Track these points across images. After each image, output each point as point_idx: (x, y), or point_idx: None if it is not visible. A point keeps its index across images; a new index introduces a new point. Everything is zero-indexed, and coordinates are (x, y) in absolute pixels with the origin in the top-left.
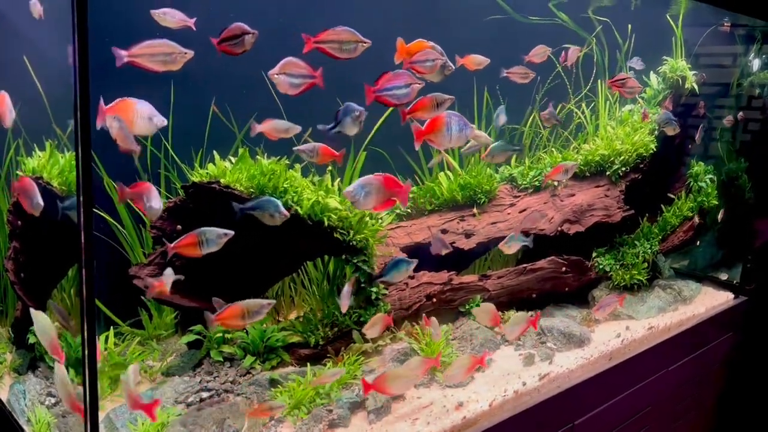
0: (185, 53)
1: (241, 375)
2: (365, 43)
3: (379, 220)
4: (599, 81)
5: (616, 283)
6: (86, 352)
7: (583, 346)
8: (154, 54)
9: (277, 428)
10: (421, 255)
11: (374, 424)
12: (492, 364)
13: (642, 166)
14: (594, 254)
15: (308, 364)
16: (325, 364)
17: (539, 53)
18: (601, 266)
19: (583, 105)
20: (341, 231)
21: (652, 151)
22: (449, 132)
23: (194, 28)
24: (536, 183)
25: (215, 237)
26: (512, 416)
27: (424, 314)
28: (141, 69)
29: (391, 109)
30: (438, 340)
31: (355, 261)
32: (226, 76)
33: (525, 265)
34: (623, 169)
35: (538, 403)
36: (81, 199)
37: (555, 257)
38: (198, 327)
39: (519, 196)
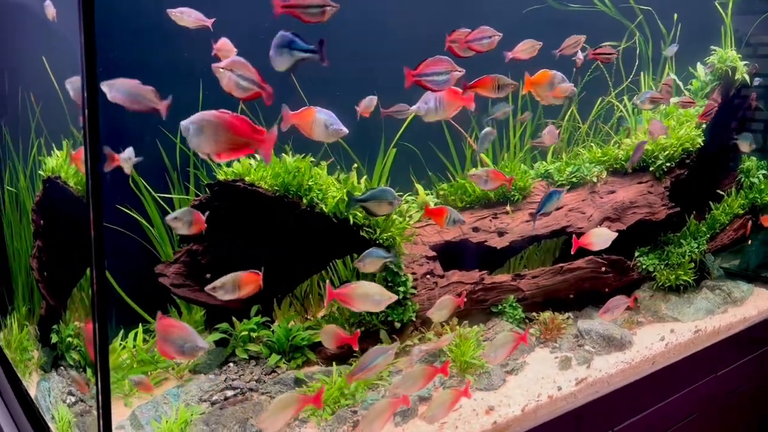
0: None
1: (266, 373)
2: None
3: (408, 218)
4: (642, 73)
5: (660, 283)
6: (98, 357)
7: (624, 349)
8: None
9: (301, 428)
10: (452, 254)
11: (400, 427)
12: (525, 367)
13: (688, 161)
14: (636, 254)
15: (334, 363)
16: (350, 364)
17: (572, 44)
18: (644, 266)
19: (625, 98)
20: (367, 229)
21: (699, 146)
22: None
23: (211, 29)
24: (573, 179)
25: None
26: (546, 422)
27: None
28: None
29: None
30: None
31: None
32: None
33: (561, 265)
34: (668, 164)
35: (575, 409)
36: (91, 201)
37: (594, 257)
38: (224, 325)
39: None
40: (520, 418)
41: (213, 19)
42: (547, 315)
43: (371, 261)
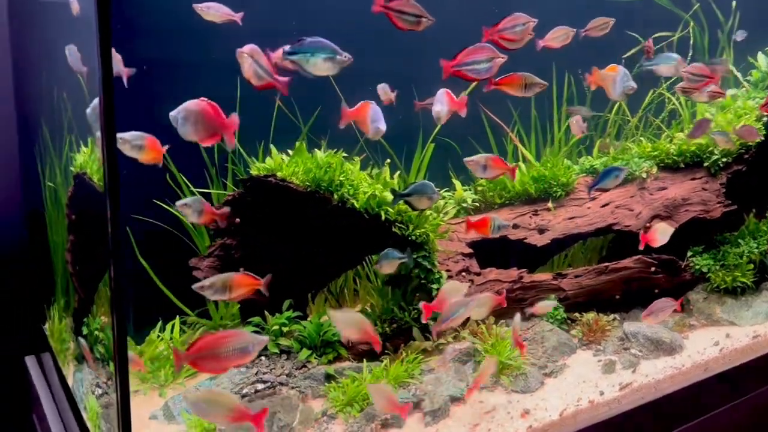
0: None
1: (297, 368)
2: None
3: (441, 215)
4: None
5: (715, 285)
6: (117, 348)
7: (674, 353)
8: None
9: (328, 425)
10: (490, 251)
11: (430, 427)
12: (566, 369)
13: (747, 156)
14: (689, 253)
15: (364, 360)
16: (382, 361)
17: (599, 25)
18: (697, 267)
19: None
20: (400, 225)
21: (759, 140)
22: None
23: (240, 23)
24: None
25: None
26: (586, 428)
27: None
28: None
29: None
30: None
31: (414, 256)
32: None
33: (607, 264)
34: (724, 159)
35: (618, 415)
36: (108, 198)
37: (642, 256)
38: (256, 319)
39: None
40: (558, 423)
41: (241, 13)
42: (591, 316)
43: (387, 263)
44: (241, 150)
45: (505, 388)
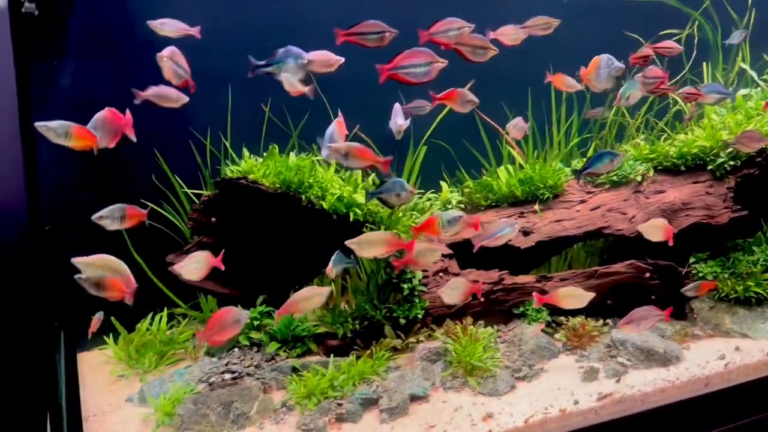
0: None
1: (266, 360)
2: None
3: (412, 215)
4: (706, 63)
5: (723, 294)
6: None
7: (669, 365)
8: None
9: (285, 416)
10: (473, 253)
11: (385, 424)
12: (542, 374)
13: (759, 159)
14: (692, 260)
15: (332, 355)
16: (348, 356)
17: (540, 24)
18: (701, 274)
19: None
20: (371, 226)
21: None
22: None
23: (199, 36)
24: (614, 178)
25: None
26: None
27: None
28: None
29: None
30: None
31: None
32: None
33: (596, 268)
34: (731, 163)
35: (592, 427)
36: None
37: (635, 261)
38: None
39: (593, 192)
40: (522, 430)
41: (197, 27)
42: (577, 320)
43: (334, 267)
44: (233, 154)
45: (472, 389)
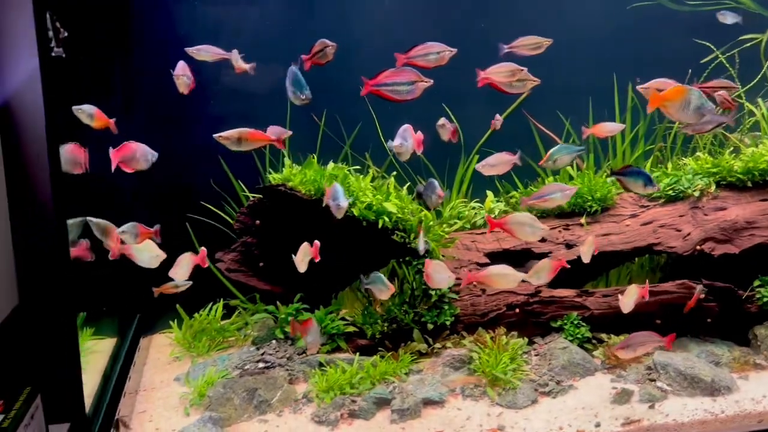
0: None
1: (298, 353)
2: None
3: (446, 226)
4: None
5: None
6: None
7: (717, 395)
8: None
9: (303, 406)
10: (512, 263)
11: (395, 425)
12: (569, 391)
13: None
14: (757, 283)
15: (357, 354)
16: (382, 356)
17: (529, 44)
18: (765, 299)
19: (759, 100)
20: (401, 233)
21: None
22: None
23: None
24: (670, 192)
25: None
26: None
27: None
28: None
29: (508, 111)
30: None
31: (415, 263)
32: (335, 90)
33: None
34: None
35: None
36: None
37: (687, 281)
38: (271, 307)
39: (647, 206)
40: None
41: (234, 51)
42: (619, 339)
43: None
44: (289, 161)
45: (491, 400)
